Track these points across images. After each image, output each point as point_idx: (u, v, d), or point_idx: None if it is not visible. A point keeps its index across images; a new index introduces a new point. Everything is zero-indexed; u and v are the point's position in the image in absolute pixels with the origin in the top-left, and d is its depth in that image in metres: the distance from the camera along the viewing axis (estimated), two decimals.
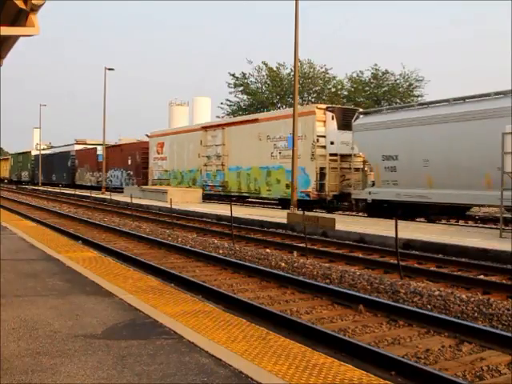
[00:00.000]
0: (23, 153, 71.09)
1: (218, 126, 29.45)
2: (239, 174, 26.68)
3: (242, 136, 26.47)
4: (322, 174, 21.73)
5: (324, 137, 21.94)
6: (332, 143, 22.02)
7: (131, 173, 39.34)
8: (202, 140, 30.03)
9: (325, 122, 22.06)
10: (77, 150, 52.19)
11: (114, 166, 42.20)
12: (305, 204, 20.74)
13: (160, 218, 19.72)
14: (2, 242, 10.06)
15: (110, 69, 38.57)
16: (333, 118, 22.16)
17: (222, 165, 27.94)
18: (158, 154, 35.37)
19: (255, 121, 26.18)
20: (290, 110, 22.60)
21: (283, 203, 23.47)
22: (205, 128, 30.26)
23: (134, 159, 39.26)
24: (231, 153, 27.44)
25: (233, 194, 27.14)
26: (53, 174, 57.18)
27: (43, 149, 72.40)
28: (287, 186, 22.18)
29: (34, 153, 67.00)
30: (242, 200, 28.66)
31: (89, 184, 46.33)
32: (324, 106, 23.16)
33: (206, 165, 29.62)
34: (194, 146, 30.87)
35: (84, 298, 5.57)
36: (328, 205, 22.08)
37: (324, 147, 21.92)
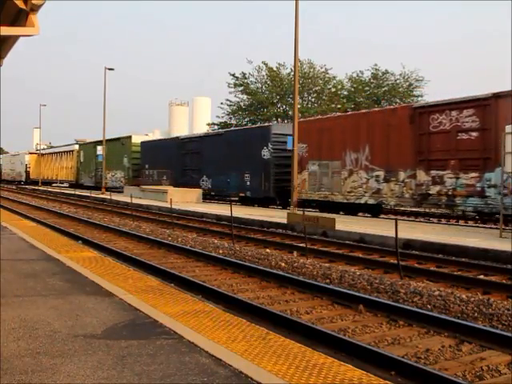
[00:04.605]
0: (111, 140, 41.90)
1: None
2: None
3: None
4: None
5: None
6: None
7: None
8: None
9: None
10: (305, 122, 22.81)
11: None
12: None
13: (160, 218, 19.72)
14: (2, 242, 10.06)
15: (110, 69, 38.59)
16: None
17: None
18: None
19: None
20: None
21: None
22: None
23: None
24: None
25: None
26: (203, 178, 29.80)
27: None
28: None
29: (139, 138, 39.79)
30: None
31: (365, 201, 19.21)
32: None
33: None
34: None
35: (84, 298, 5.57)
36: None
37: None
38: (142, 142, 38.33)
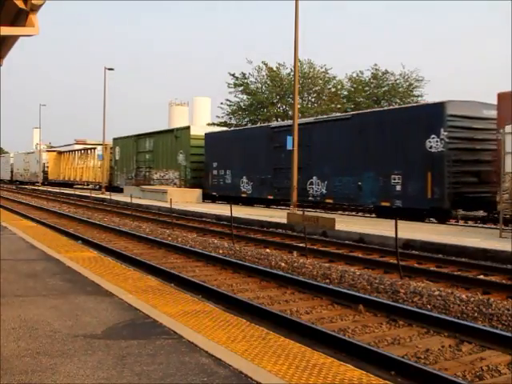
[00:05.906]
0: (160, 132, 34.66)
1: None
2: None
3: None
4: None
5: None
6: None
7: None
8: None
9: None
10: None
11: None
12: None
13: (160, 218, 19.72)
14: (2, 242, 10.05)
15: (110, 69, 38.58)
16: None
17: None
18: None
19: None
20: None
21: None
22: None
23: None
24: None
25: None
26: (312, 179, 21.41)
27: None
28: None
29: (199, 129, 32.02)
30: None
31: None
32: None
33: None
34: None
35: (84, 298, 5.57)
36: None
37: None
38: (206, 134, 29.47)
